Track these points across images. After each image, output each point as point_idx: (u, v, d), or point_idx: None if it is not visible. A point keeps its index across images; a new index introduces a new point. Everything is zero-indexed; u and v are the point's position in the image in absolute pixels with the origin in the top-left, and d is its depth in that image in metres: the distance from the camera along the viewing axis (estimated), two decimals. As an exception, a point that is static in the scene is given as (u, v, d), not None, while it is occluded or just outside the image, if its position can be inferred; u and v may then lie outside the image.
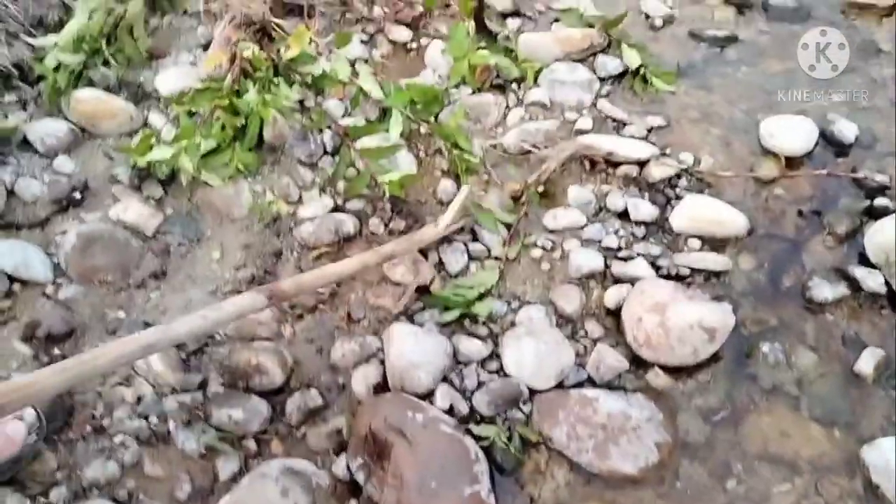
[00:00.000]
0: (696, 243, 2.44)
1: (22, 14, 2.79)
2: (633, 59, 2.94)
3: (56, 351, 2.18)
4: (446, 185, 2.59)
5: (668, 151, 2.68)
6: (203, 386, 2.14)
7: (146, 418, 2.07)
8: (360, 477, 1.97)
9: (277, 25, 2.77)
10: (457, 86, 2.85)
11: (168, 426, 2.06)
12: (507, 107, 2.85)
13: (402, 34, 3.09)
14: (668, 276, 2.36)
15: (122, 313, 2.27)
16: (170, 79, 2.77)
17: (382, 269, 2.37)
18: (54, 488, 1.92)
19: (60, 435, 2.01)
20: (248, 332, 2.25)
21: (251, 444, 2.07)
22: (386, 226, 2.50)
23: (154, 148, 2.49)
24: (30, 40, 2.73)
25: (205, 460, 2.03)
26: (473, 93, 2.85)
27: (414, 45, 3.09)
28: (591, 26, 3.05)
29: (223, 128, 2.50)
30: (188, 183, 2.49)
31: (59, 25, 2.79)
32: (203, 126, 2.51)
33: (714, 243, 2.45)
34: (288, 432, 2.10)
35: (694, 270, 2.38)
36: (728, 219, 2.46)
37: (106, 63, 2.76)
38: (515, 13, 3.21)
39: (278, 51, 2.68)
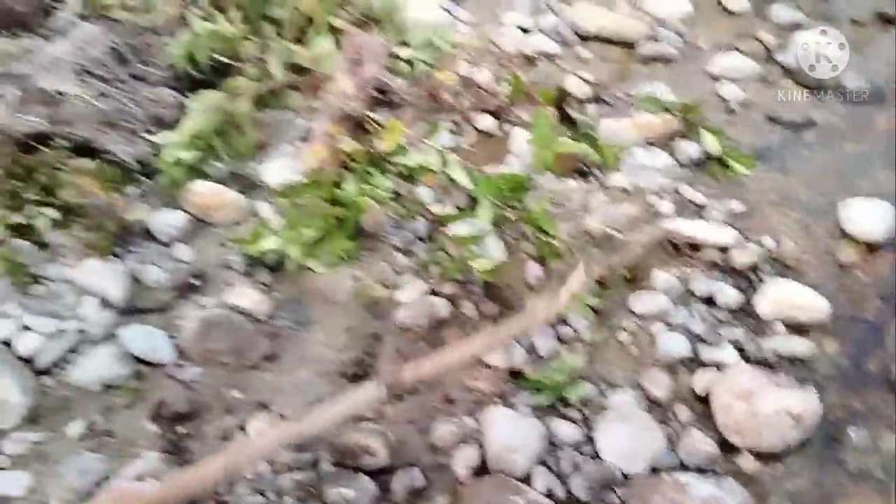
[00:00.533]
0: (780, 327, 2.52)
1: (142, 114, 3.07)
2: (711, 143, 3.05)
3: (180, 429, 2.36)
4: (533, 268, 2.73)
5: (748, 235, 2.78)
6: (315, 464, 2.29)
7: (263, 493, 2.23)
8: (464, 557, 2.08)
9: (371, 119, 2.99)
10: (541, 172, 2.99)
11: (285, 502, 2.21)
12: (590, 191, 2.99)
13: (487, 122, 3.27)
14: (754, 361, 2.43)
15: (239, 393, 2.45)
16: (274, 170, 3.00)
17: (476, 351, 2.51)
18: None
19: (188, 511, 2.19)
20: (353, 413, 2.40)
21: (361, 522, 2.20)
22: (478, 309, 2.65)
23: (263, 238, 2.70)
24: (150, 137, 3.00)
25: (320, 536, 2.17)
26: (557, 178, 2.99)
27: (499, 132, 3.27)
28: (668, 111, 3.18)
29: (325, 218, 2.71)
30: (295, 269, 2.69)
31: (175, 122, 3.05)
32: (307, 216, 2.71)
33: (798, 327, 2.52)
34: (394, 511, 2.23)
35: (779, 355, 2.45)
36: (811, 303, 2.54)
37: (218, 157, 3.02)
38: (595, 99, 3.37)
39: (372, 142, 2.89)
